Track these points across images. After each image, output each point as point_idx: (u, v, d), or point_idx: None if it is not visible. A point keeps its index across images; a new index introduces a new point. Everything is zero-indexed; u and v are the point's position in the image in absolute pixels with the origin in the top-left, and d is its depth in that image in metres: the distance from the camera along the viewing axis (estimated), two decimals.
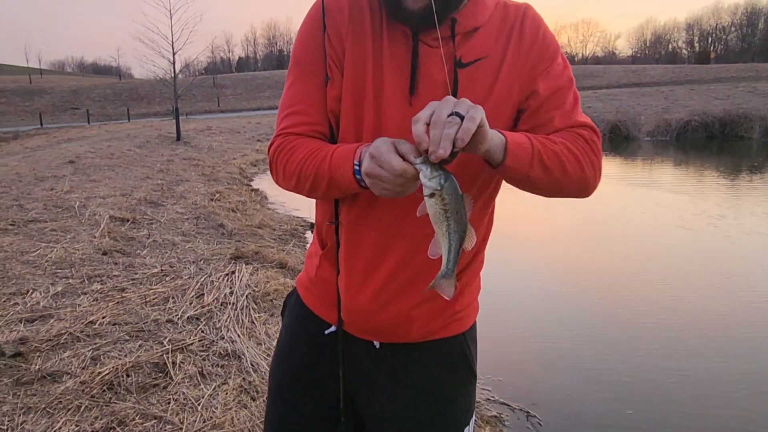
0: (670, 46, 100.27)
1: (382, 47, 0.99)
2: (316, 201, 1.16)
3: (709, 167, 12.40)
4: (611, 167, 13.07)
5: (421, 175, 0.81)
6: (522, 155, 0.92)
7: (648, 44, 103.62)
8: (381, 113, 0.99)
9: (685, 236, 6.43)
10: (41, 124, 31.17)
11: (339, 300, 1.10)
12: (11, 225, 5.45)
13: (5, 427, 2.32)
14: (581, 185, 1.00)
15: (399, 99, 0.99)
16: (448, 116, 0.79)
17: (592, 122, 1.04)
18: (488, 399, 3.05)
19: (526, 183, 0.97)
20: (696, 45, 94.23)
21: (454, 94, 0.96)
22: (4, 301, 3.62)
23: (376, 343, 1.11)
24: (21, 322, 3.32)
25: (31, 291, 3.81)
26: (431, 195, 0.80)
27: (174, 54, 16.36)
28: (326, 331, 1.14)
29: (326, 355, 1.14)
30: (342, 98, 1.00)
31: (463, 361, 1.14)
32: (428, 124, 0.80)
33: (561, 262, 5.64)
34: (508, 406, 2.98)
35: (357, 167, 0.91)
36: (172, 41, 16.18)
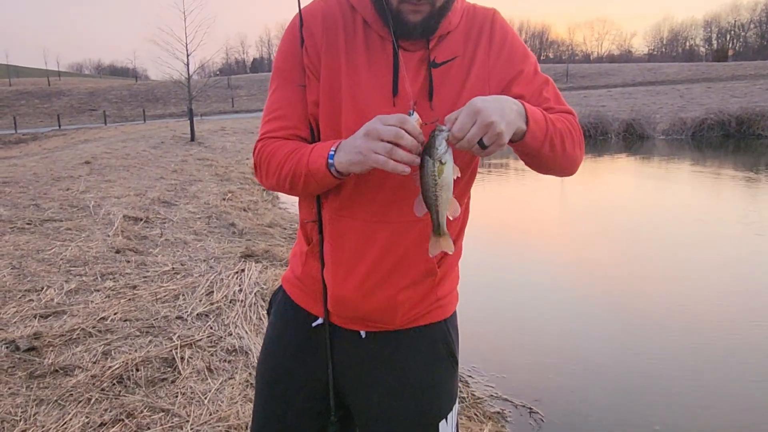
0: (687, 44, 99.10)
1: (357, 52, 1.07)
2: (299, 200, 1.22)
3: (726, 166, 12.24)
4: (626, 165, 12.98)
5: (440, 138, 0.91)
6: (538, 135, 1.00)
7: (665, 42, 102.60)
8: (361, 113, 1.05)
9: (698, 234, 6.37)
10: (59, 126, 31.70)
11: (325, 292, 1.14)
12: (28, 224, 5.59)
13: (19, 418, 2.40)
14: (574, 164, 1.10)
15: (380, 99, 1.06)
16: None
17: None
18: (491, 395, 3.07)
19: (534, 158, 1.05)
20: (714, 42, 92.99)
21: (430, 92, 1.06)
22: (20, 298, 3.72)
23: (362, 333, 1.15)
24: (35, 318, 3.41)
25: (45, 288, 3.91)
26: (442, 162, 0.91)
27: (188, 55, 16.58)
28: (313, 324, 1.18)
29: (314, 348, 1.18)
30: (320, 102, 1.08)
31: (446, 347, 1.19)
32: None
33: (566, 257, 5.62)
34: (511, 402, 3.00)
35: (332, 152, 0.99)
36: (186, 43, 16.41)
